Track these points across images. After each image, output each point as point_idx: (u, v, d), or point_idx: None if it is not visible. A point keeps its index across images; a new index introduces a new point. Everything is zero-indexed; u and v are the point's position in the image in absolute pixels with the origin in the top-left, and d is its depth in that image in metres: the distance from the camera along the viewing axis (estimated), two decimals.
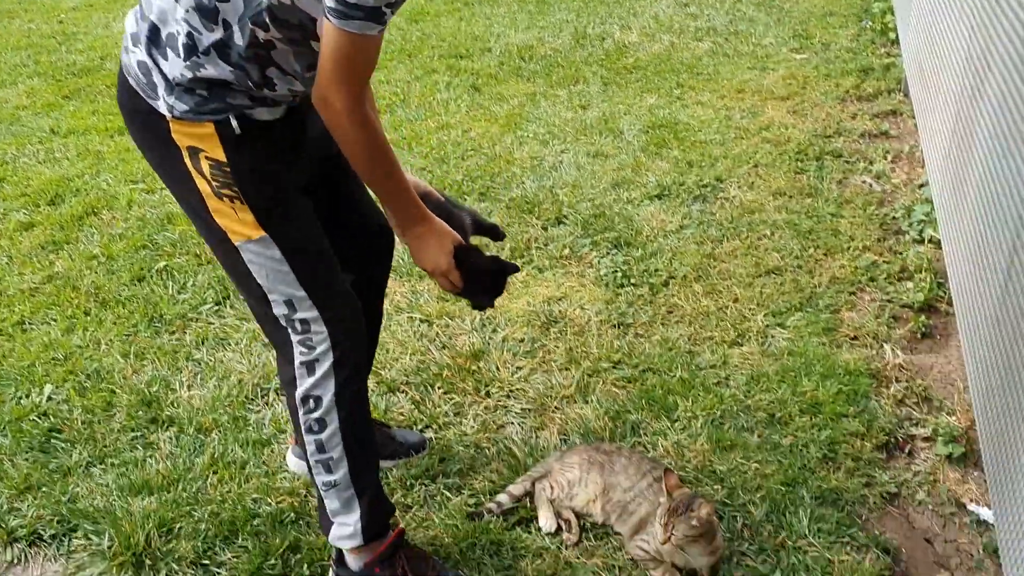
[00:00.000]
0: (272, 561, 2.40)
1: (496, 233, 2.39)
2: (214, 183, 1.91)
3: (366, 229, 2.40)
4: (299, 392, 2.06)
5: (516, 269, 2.30)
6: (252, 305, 2.14)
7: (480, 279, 2.21)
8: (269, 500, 2.61)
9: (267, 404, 3.06)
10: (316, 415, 2.08)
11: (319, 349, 2.04)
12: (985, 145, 2.92)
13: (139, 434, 2.93)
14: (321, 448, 2.11)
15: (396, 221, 2.08)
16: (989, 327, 2.56)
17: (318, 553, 2.42)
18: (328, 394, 2.06)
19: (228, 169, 1.90)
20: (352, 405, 2.13)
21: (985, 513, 2.54)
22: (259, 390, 3.11)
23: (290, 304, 2.01)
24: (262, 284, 2.00)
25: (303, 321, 2.03)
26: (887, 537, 2.46)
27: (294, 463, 2.74)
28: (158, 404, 3.05)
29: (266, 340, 2.18)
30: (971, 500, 2.60)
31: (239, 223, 1.95)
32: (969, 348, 2.85)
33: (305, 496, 2.64)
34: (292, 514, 2.56)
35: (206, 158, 1.90)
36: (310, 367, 2.05)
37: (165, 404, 3.05)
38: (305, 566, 2.40)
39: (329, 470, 2.13)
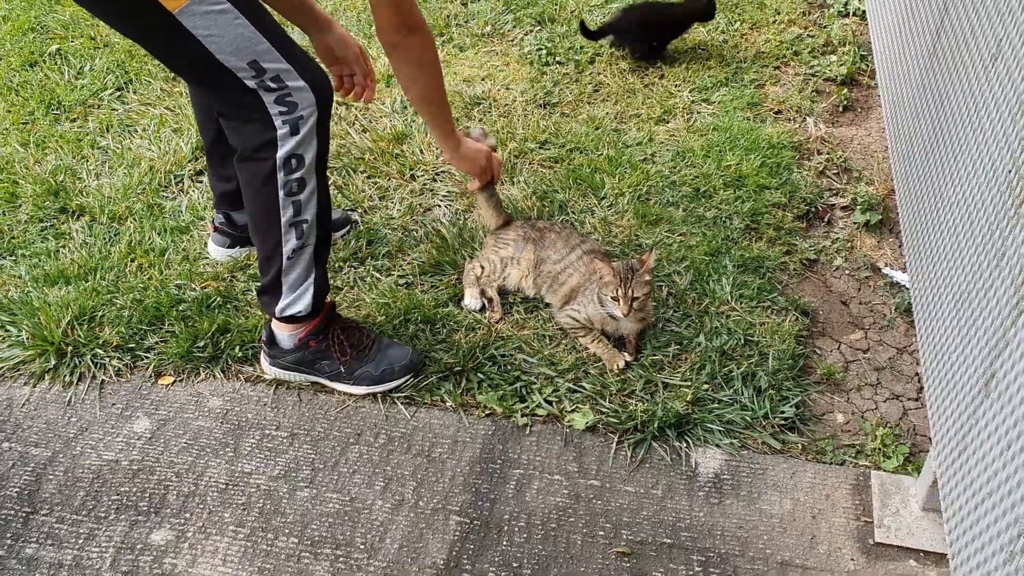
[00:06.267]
0: (202, 343, 2.38)
1: None
2: None
3: None
4: (281, 153, 1.94)
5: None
6: (210, 86, 1.94)
7: None
8: (193, 285, 2.56)
9: (182, 191, 2.95)
10: (298, 175, 1.98)
11: (302, 105, 1.91)
12: None
13: (49, 224, 2.81)
14: (299, 210, 2.04)
15: (444, 131, 2.28)
16: (913, 93, 2.57)
17: (248, 335, 2.41)
18: (311, 153, 1.98)
19: None
20: (325, 168, 2.08)
21: (899, 276, 2.65)
22: (172, 177, 2.99)
23: (255, 64, 1.83)
24: (218, 52, 1.80)
25: (275, 78, 1.86)
26: (806, 300, 2.56)
27: (215, 250, 2.68)
28: (66, 193, 2.90)
29: (226, 115, 2.00)
30: (886, 264, 2.70)
31: None
32: (891, 116, 2.87)
33: (231, 280, 2.59)
34: (219, 298, 2.52)
35: None
36: (294, 126, 1.92)
37: (73, 193, 2.91)
38: (236, 347, 2.39)
39: (301, 235, 2.07)
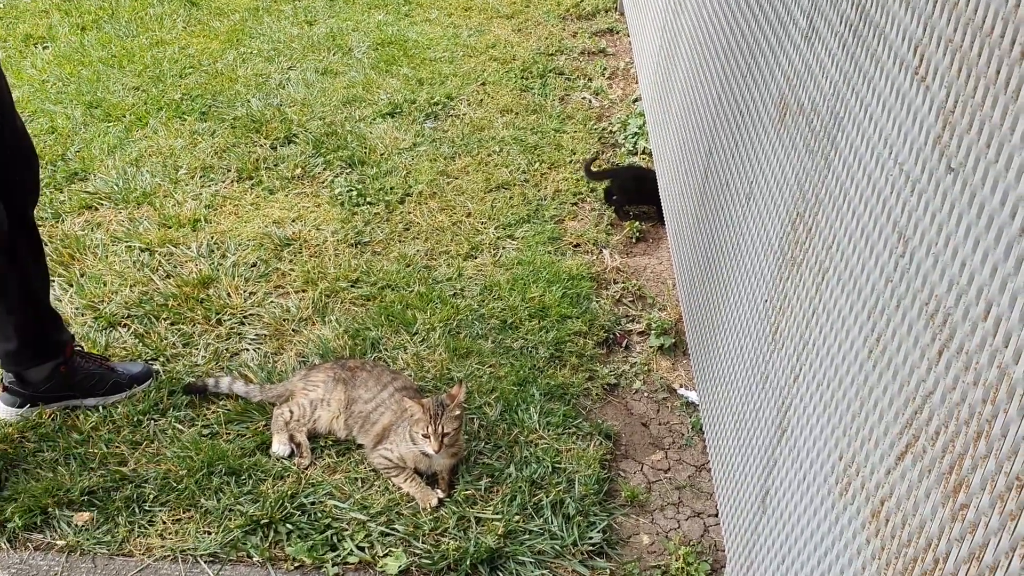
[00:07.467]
0: None
1: None
2: None
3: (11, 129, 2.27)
4: None
5: None
6: None
7: None
8: None
9: None
10: None
11: None
12: (687, 56, 3.14)
13: None
14: None
15: None
16: (691, 227, 2.80)
17: (34, 500, 2.27)
18: None
19: None
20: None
21: (692, 396, 2.81)
22: None
23: None
24: None
25: None
26: (608, 424, 2.67)
27: (4, 410, 2.53)
28: None
29: None
30: (680, 385, 2.87)
31: None
32: (676, 247, 3.10)
33: (19, 441, 2.45)
34: (4, 463, 2.36)
35: None
36: None
37: None
38: (24, 514, 2.23)
39: None
